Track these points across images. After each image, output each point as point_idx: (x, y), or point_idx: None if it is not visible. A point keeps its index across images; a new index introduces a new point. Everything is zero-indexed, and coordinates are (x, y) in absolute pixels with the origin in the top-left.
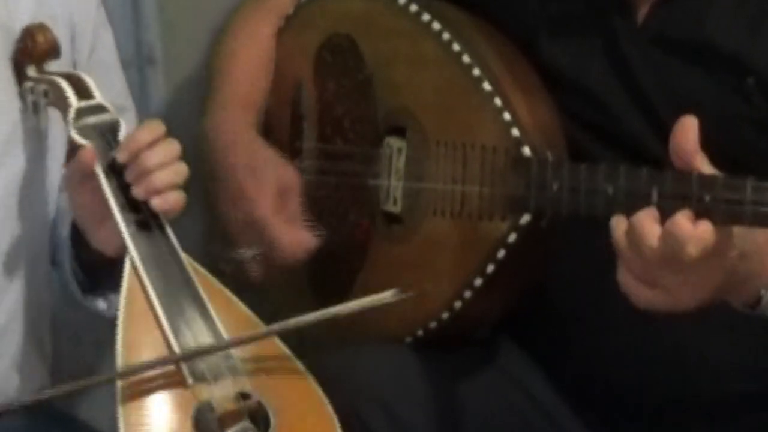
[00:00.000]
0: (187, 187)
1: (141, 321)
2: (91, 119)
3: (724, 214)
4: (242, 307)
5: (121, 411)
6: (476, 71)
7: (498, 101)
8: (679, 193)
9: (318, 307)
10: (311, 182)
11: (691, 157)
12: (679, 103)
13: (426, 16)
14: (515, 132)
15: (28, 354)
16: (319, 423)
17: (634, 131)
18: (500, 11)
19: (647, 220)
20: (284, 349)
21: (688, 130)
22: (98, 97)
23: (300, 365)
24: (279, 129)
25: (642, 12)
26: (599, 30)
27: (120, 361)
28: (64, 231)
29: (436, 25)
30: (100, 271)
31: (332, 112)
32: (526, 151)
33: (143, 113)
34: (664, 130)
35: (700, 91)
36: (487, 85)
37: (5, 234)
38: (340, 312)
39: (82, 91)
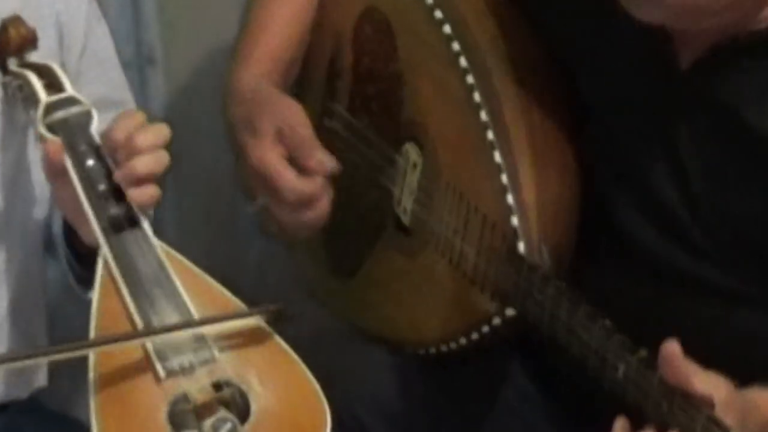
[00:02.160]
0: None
1: (113, 313)
2: (60, 113)
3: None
4: (223, 292)
5: (94, 408)
6: (490, 135)
7: (504, 178)
8: (642, 385)
9: (331, 271)
10: (335, 145)
11: (685, 384)
12: (708, 167)
13: (456, 46)
14: (514, 221)
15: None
16: (304, 400)
17: (658, 184)
18: (548, 39)
19: None
20: (267, 331)
21: (673, 360)
22: (69, 90)
23: (285, 345)
24: (315, 78)
25: (687, 61)
26: (641, 71)
27: (92, 356)
28: (57, 226)
29: (463, 62)
30: (94, 262)
31: (363, 88)
32: (521, 247)
33: (143, 113)
34: (688, 190)
35: (729, 163)
36: (497, 156)
37: None
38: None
39: (53, 84)
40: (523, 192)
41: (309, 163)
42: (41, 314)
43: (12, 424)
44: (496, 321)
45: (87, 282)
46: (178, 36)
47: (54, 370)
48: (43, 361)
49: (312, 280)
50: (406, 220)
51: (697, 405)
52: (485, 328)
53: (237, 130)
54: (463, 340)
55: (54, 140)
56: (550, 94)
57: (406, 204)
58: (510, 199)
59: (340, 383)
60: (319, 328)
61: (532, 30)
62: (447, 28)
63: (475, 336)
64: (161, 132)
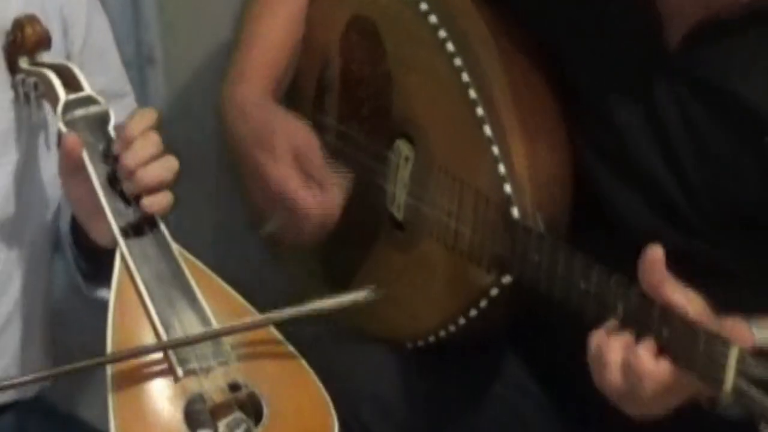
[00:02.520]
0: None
1: (131, 314)
2: (80, 111)
3: (678, 354)
4: (235, 296)
5: (111, 406)
6: (480, 111)
7: (496, 150)
8: (642, 317)
9: (327, 286)
10: (328, 156)
11: (659, 289)
12: (698, 145)
13: (442, 33)
14: (507, 189)
15: (30, 351)
16: (314, 409)
17: (649, 165)
18: (534, 23)
19: (615, 351)
20: (278, 336)
21: (654, 264)
22: (87, 89)
23: (294, 351)
24: (305, 92)
25: (675, 40)
26: (629, 53)
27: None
28: (64, 224)
29: (450, 47)
30: (102, 260)
31: (353, 94)
32: (515, 212)
33: None
34: (679, 168)
35: (718, 138)
36: (487, 130)
37: (4, 231)
38: (320, 309)
39: (71, 83)
40: (514, 162)
41: (327, 185)
42: (47, 314)
43: (18, 424)
44: (494, 292)
45: (93, 279)
46: (178, 36)
47: None
48: (64, 376)
49: (306, 291)
50: (400, 215)
51: (695, 325)
52: (483, 302)
53: (247, 145)
54: (461, 320)
55: (73, 135)
56: (537, 78)
57: (399, 199)
58: (502, 168)
59: (340, 383)
60: (319, 328)
61: (517, 21)
62: (433, 18)
63: (473, 313)
64: (151, 141)
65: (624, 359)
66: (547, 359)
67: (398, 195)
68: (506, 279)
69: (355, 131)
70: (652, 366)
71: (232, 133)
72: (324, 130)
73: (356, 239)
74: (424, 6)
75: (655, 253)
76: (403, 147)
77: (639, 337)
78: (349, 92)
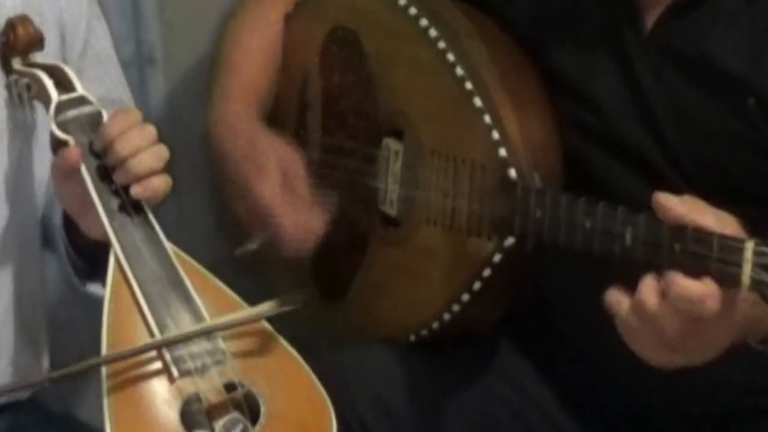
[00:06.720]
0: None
1: (126, 314)
2: (73, 112)
3: (692, 266)
4: (230, 293)
5: (107, 408)
6: (468, 85)
7: (488, 118)
8: (651, 238)
9: (321, 299)
10: (314, 173)
11: (688, 218)
12: (681, 117)
13: (424, 21)
14: (503, 152)
15: (23, 351)
16: (312, 407)
17: (635, 141)
18: (510, 12)
19: (651, 295)
20: (275, 334)
21: (667, 205)
22: (80, 89)
23: (291, 349)
24: (286, 116)
25: (651, 20)
26: (607, 36)
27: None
28: (57, 218)
29: (433, 32)
30: (96, 255)
31: (336, 106)
32: (512, 173)
33: (143, 113)
34: (664, 142)
35: (701, 107)
36: (478, 101)
37: None
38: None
39: (64, 84)
40: (506, 127)
41: (311, 207)
42: (41, 314)
43: (14, 424)
44: (497, 258)
45: (85, 274)
46: (178, 36)
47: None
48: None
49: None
50: (393, 211)
51: (708, 235)
52: (486, 272)
53: (235, 162)
54: (465, 296)
55: (75, 148)
56: (519, 58)
57: (392, 194)
58: (495, 134)
59: (340, 383)
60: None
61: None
62: (413, 10)
63: (477, 286)
64: (145, 133)
65: (670, 296)
66: (547, 355)
67: (390, 190)
68: (508, 241)
69: (341, 140)
70: (701, 285)
71: (221, 150)
72: (309, 146)
73: (347, 248)
74: (402, 1)
75: (664, 198)
76: (391, 144)
77: (650, 261)
78: (332, 105)
